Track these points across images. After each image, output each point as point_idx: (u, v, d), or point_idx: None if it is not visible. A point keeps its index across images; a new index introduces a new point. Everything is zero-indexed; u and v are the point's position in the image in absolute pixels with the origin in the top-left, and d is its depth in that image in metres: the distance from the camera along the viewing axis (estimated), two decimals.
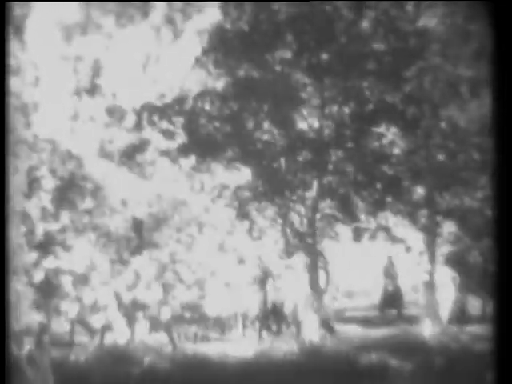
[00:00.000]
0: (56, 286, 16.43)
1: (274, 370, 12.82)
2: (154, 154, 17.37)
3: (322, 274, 17.58)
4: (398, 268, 20.25)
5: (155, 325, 17.49)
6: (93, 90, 16.58)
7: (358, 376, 12.32)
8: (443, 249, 17.95)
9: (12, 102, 7.22)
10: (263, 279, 18.66)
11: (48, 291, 16.12)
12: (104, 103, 17.11)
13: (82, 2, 15.83)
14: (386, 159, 16.93)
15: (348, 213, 17.43)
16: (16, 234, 7.70)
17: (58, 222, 16.59)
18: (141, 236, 17.60)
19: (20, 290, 7.90)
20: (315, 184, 16.74)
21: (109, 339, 16.85)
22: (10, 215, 7.16)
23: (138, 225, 17.61)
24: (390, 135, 17.17)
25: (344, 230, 19.00)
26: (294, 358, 13.72)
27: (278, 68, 16.72)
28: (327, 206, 17.71)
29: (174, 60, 17.08)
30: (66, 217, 16.66)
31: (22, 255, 8.07)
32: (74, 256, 16.76)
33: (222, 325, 18.40)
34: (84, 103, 16.80)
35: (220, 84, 16.91)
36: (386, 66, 15.80)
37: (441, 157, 16.54)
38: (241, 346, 16.36)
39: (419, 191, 17.01)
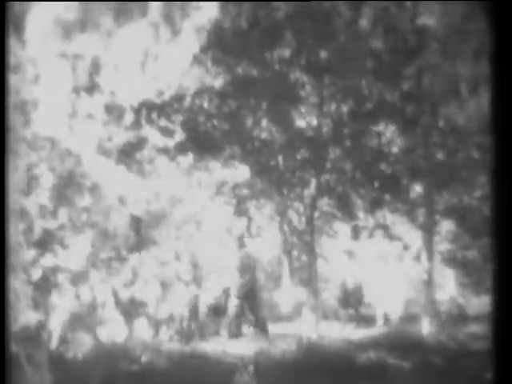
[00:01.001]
0: (54, 283, 16.42)
1: (272, 368, 12.81)
2: (152, 151, 17.36)
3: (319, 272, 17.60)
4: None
5: (153, 322, 17.51)
6: (91, 87, 16.55)
7: (357, 375, 12.31)
8: (441, 247, 17.96)
9: (11, 99, 7.21)
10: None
11: (46, 289, 16.11)
12: (102, 101, 17.08)
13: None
14: (385, 157, 16.94)
15: (346, 211, 17.44)
16: (14, 231, 7.69)
17: (57, 220, 16.57)
18: (139, 234, 17.58)
19: (18, 287, 7.89)
20: (313, 182, 16.72)
21: (107, 337, 16.84)
22: (8, 213, 7.15)
23: (136, 222, 17.60)
24: (388, 133, 17.18)
25: (342, 228, 19.03)
26: (293, 356, 13.72)
27: (276, 66, 16.70)
28: (325, 203, 17.72)
29: (172, 57, 17.06)
30: (64, 214, 16.63)
31: (20, 253, 8.06)
32: (72, 253, 16.75)
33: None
34: (83, 101, 16.77)
35: (218, 82, 16.90)
36: (385, 64, 15.77)
37: (439, 155, 16.55)
38: (239, 344, 16.38)
39: (417, 189, 17.01)
